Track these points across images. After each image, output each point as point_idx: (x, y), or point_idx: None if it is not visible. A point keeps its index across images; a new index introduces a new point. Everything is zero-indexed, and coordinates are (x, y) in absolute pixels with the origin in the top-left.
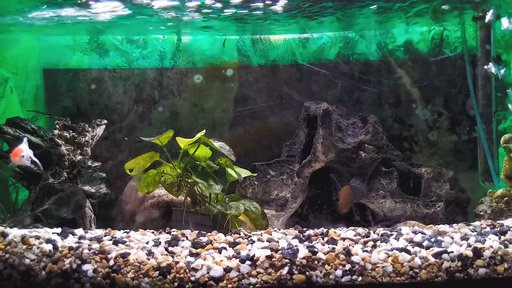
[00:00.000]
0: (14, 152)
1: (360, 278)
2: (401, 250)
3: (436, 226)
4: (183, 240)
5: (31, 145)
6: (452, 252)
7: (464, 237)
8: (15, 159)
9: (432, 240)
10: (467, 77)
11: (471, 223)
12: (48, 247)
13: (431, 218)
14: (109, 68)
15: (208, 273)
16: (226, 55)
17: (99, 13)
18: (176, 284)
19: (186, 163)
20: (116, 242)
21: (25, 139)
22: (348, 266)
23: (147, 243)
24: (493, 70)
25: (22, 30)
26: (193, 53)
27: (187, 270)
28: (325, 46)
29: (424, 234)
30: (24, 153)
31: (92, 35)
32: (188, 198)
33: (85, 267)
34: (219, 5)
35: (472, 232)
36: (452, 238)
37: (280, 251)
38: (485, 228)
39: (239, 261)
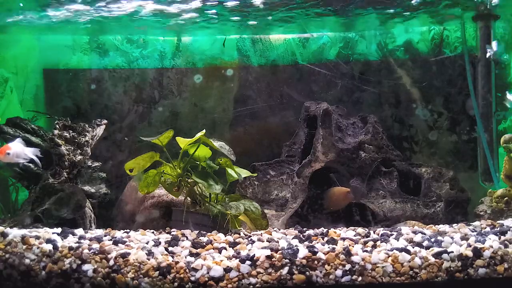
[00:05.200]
0: (0, 149)
1: (360, 278)
2: (401, 250)
3: (436, 226)
4: (183, 240)
5: (31, 145)
6: (452, 252)
7: (464, 237)
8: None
9: (432, 240)
10: (467, 77)
11: (471, 223)
12: (48, 247)
13: (431, 218)
14: (109, 68)
15: (208, 273)
16: (226, 55)
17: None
18: (176, 284)
19: (186, 163)
20: (116, 242)
21: (18, 139)
22: (348, 266)
23: (147, 243)
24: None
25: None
26: (193, 53)
27: (187, 270)
28: (325, 46)
29: (424, 234)
30: (11, 150)
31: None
32: (188, 198)
33: (85, 267)
34: None
35: (472, 232)
36: (452, 238)
37: (280, 251)
38: (485, 228)
39: (239, 261)
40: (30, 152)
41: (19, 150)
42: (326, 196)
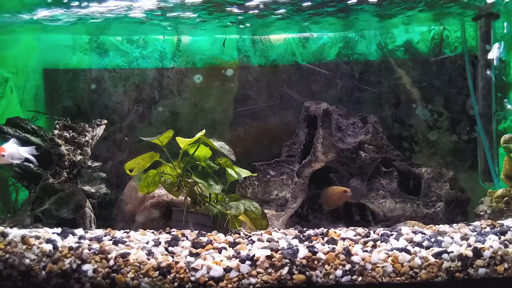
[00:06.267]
0: None
1: (360, 278)
2: (401, 250)
3: (436, 226)
4: (183, 240)
5: (30, 145)
6: (452, 252)
7: (464, 237)
8: None
9: (432, 240)
10: (467, 77)
11: (471, 223)
12: (48, 247)
13: (431, 218)
14: (109, 68)
15: (208, 273)
16: (226, 55)
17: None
18: (176, 284)
19: (186, 163)
20: (116, 242)
21: (12, 139)
22: (348, 266)
23: (147, 243)
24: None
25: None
26: (193, 53)
27: (187, 270)
28: (325, 46)
29: (424, 234)
30: (6, 152)
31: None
32: (188, 198)
33: (85, 267)
34: None
35: (472, 232)
36: (452, 238)
37: (280, 251)
38: (485, 228)
39: (239, 261)
40: (25, 152)
41: (13, 151)
42: (323, 195)
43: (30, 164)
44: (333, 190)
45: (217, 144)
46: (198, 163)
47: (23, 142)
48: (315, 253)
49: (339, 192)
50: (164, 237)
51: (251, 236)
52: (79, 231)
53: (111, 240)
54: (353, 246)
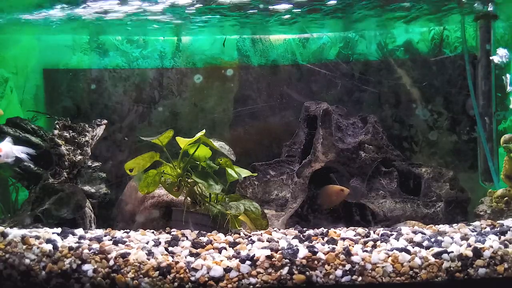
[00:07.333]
0: None
1: (360, 278)
2: (401, 250)
3: (436, 226)
4: (183, 240)
5: (30, 145)
6: (452, 252)
7: (464, 237)
8: None
9: (432, 240)
10: (467, 77)
11: (471, 223)
12: (48, 247)
13: (431, 218)
14: (109, 68)
15: (208, 273)
16: (226, 55)
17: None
18: (176, 284)
19: (186, 163)
20: (116, 242)
21: (7, 138)
22: (348, 266)
23: (147, 243)
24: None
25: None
26: (193, 53)
27: (187, 270)
28: (325, 46)
29: (424, 234)
30: (2, 152)
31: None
32: (188, 198)
33: (85, 267)
34: None
35: (472, 232)
36: (452, 238)
37: (280, 251)
38: (485, 228)
39: (239, 261)
40: (19, 151)
41: (8, 150)
42: (320, 194)
43: (30, 164)
44: (330, 189)
45: (217, 144)
46: (198, 163)
47: (23, 142)
48: (315, 253)
49: (336, 191)
50: (164, 237)
51: (251, 236)
52: (79, 231)
53: (111, 240)
54: (353, 246)
